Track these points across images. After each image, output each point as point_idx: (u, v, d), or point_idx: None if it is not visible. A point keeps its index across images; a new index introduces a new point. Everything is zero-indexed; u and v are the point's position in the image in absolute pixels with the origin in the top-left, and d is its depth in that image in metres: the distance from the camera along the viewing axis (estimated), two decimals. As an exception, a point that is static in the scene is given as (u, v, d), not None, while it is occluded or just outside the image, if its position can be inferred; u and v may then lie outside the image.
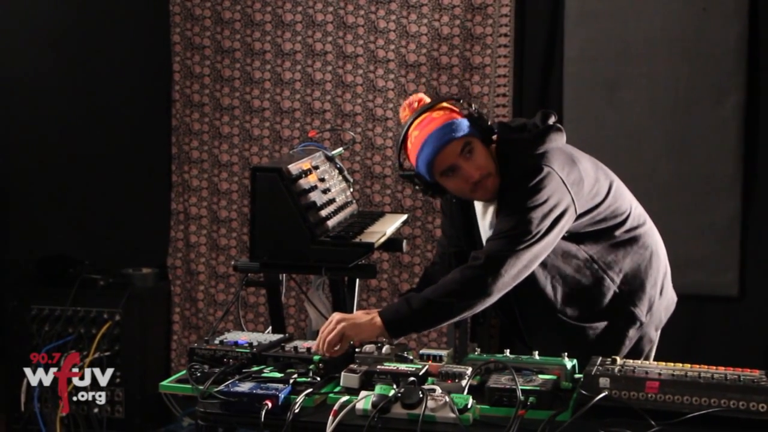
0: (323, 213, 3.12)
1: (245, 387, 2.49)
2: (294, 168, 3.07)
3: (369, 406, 2.35)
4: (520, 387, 2.36)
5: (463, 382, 2.46)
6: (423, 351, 2.67)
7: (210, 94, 5.00)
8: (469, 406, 2.34)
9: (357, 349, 2.71)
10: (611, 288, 2.91)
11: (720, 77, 4.40)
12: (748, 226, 4.46)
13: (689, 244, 4.38)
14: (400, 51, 4.75)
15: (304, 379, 2.56)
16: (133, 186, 5.17)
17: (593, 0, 4.51)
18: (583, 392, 2.31)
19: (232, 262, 3.27)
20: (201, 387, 2.53)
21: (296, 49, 4.88)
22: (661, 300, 3.01)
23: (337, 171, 3.47)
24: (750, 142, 4.43)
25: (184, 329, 5.08)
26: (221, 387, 2.49)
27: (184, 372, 2.67)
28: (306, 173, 3.14)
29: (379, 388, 2.41)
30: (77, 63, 5.16)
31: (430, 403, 2.33)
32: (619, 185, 2.97)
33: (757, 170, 4.45)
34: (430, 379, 2.54)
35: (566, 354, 2.61)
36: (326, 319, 2.81)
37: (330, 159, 3.45)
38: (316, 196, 3.11)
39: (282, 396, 2.44)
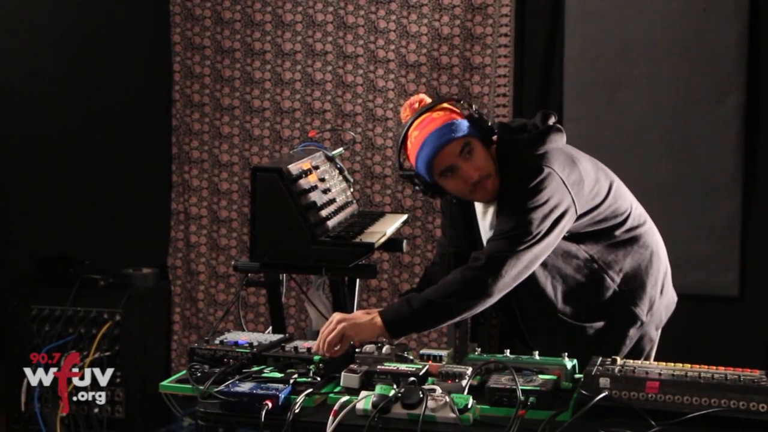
0: (323, 213, 3.12)
1: (245, 387, 2.49)
2: (294, 168, 3.07)
3: (369, 406, 2.35)
4: (520, 387, 2.36)
5: (464, 382, 2.46)
6: (423, 351, 2.67)
7: (210, 94, 5.00)
8: (469, 406, 2.34)
9: (357, 350, 2.71)
10: (611, 288, 2.91)
11: (720, 77, 4.40)
12: (749, 226, 4.46)
13: (689, 244, 4.38)
14: (401, 51, 4.75)
15: (304, 379, 2.56)
16: (134, 186, 5.17)
17: (594, 0, 4.51)
18: (584, 392, 2.31)
19: (233, 262, 3.27)
20: (201, 387, 2.53)
21: (296, 49, 4.88)
22: (661, 299, 3.01)
23: (337, 171, 3.46)
24: (750, 142, 4.43)
25: (184, 329, 5.08)
26: (221, 387, 2.49)
27: (184, 372, 2.67)
28: (306, 173, 3.14)
29: (379, 388, 2.41)
30: (77, 63, 5.16)
31: (431, 403, 2.33)
32: (619, 185, 2.97)
33: (758, 170, 4.45)
34: (430, 379, 2.54)
35: (567, 354, 2.61)
36: (326, 319, 2.81)
37: (330, 159, 3.45)
38: (316, 196, 3.11)
39: (282, 396, 2.44)
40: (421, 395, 2.34)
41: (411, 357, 2.64)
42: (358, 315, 2.73)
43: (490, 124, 2.84)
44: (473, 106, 2.85)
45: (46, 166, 5.21)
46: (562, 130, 2.87)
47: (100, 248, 5.11)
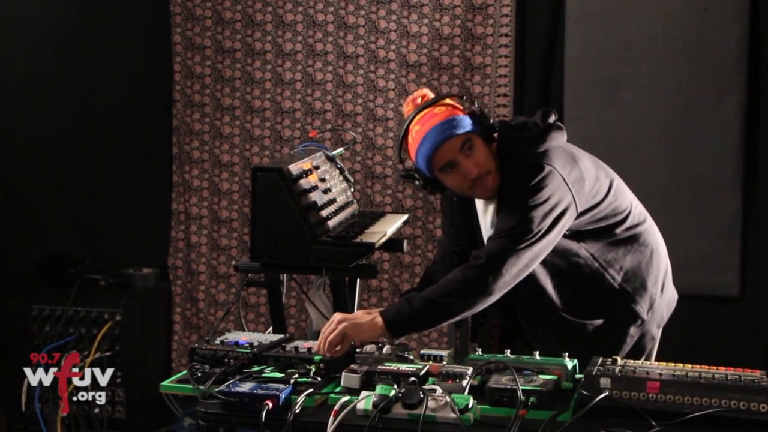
0: (324, 213, 3.12)
1: (246, 387, 2.49)
2: (295, 168, 3.07)
3: (370, 407, 2.35)
4: (520, 387, 2.36)
5: (464, 383, 2.46)
6: (424, 351, 2.66)
7: (211, 94, 5.00)
8: (469, 406, 2.34)
9: (358, 350, 2.71)
10: (612, 286, 2.91)
11: (721, 77, 4.40)
12: (749, 226, 4.46)
13: (690, 244, 4.38)
14: (401, 51, 4.75)
15: (304, 379, 2.56)
16: (134, 186, 5.17)
17: (594, 0, 4.51)
18: (584, 392, 2.31)
19: (233, 262, 3.27)
20: (202, 387, 2.54)
21: (297, 50, 4.88)
22: (662, 298, 3.01)
23: (337, 171, 3.46)
24: (751, 142, 4.43)
25: (184, 329, 5.08)
26: (222, 387, 2.49)
27: (184, 372, 2.67)
28: (307, 173, 3.14)
29: (379, 389, 2.41)
30: (77, 63, 5.16)
31: (431, 404, 2.33)
32: (619, 183, 2.97)
33: (758, 170, 4.45)
34: (430, 379, 2.54)
35: (568, 352, 2.61)
36: (327, 319, 2.81)
37: (331, 159, 3.45)
38: (316, 196, 3.11)
39: (283, 396, 2.44)
40: (422, 395, 2.34)
41: (411, 357, 2.64)
42: (359, 315, 2.73)
43: (491, 121, 2.84)
44: (475, 103, 2.85)
45: (46, 166, 5.21)
46: (563, 128, 2.87)
47: (101, 248, 5.11)
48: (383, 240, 3.21)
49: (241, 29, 4.93)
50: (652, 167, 4.46)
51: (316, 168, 3.25)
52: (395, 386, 2.42)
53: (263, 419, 2.38)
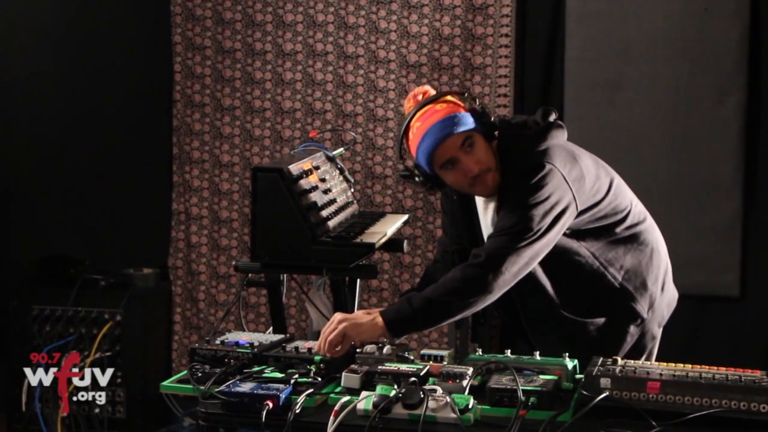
0: (324, 213, 3.12)
1: (246, 387, 2.49)
2: (295, 168, 3.07)
3: (370, 407, 2.35)
4: (521, 387, 2.36)
5: (464, 383, 2.46)
6: (424, 351, 2.66)
7: (211, 94, 5.00)
8: (470, 406, 2.34)
9: (358, 350, 2.71)
10: (612, 284, 2.91)
11: (721, 77, 4.40)
12: (749, 226, 4.46)
13: (690, 245, 4.38)
14: (401, 51, 4.75)
15: (305, 379, 2.56)
16: (134, 186, 5.17)
17: (594, 0, 4.51)
18: (584, 392, 2.31)
19: (233, 263, 3.27)
20: (202, 387, 2.53)
21: (297, 50, 4.88)
22: (662, 297, 3.01)
23: (338, 171, 3.46)
24: (751, 142, 4.43)
25: (185, 329, 5.08)
26: (222, 387, 2.49)
27: (185, 372, 2.67)
28: (307, 173, 3.14)
29: (380, 389, 2.41)
30: (77, 63, 5.16)
31: (431, 404, 2.33)
32: (619, 182, 2.97)
33: (758, 170, 4.45)
34: (431, 379, 2.54)
35: (568, 351, 2.61)
36: (327, 319, 2.81)
37: (331, 159, 3.45)
38: (317, 197, 3.11)
39: (283, 396, 2.44)
40: (422, 395, 2.34)
41: (412, 357, 2.64)
42: (359, 315, 2.72)
43: (492, 119, 2.84)
44: (476, 101, 2.84)
45: (46, 166, 5.21)
46: (563, 127, 2.87)
47: (101, 248, 5.11)
48: (383, 240, 3.20)
49: (242, 29, 4.93)
50: (652, 167, 4.47)
51: (317, 168, 3.25)
52: (395, 386, 2.41)
53: (263, 419, 2.38)
